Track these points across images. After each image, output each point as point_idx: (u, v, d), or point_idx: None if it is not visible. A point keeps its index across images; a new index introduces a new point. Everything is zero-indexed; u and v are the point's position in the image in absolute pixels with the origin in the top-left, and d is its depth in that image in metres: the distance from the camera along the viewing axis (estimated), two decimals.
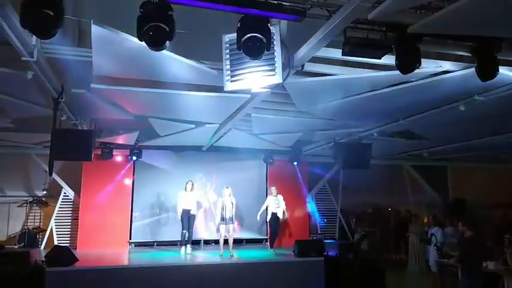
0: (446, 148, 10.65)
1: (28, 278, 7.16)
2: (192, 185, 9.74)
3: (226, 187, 9.44)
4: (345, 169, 11.77)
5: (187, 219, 9.42)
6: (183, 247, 9.45)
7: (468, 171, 13.50)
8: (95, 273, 7.56)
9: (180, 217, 9.44)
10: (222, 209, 9.18)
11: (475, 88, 5.82)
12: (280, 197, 10.24)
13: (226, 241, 9.34)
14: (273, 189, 10.32)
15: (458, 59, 5.22)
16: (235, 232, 9.78)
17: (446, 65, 5.30)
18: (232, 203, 9.22)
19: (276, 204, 10.11)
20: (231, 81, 4.83)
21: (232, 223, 9.24)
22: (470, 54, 4.88)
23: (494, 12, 3.82)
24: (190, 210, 9.43)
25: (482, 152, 11.02)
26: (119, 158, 11.03)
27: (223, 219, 9.15)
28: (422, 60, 4.55)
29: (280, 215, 10.08)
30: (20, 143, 10.20)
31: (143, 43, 3.74)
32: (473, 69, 4.83)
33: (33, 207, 11.53)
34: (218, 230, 9.37)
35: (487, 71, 4.65)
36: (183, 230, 9.42)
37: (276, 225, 10.17)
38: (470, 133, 9.13)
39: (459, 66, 5.32)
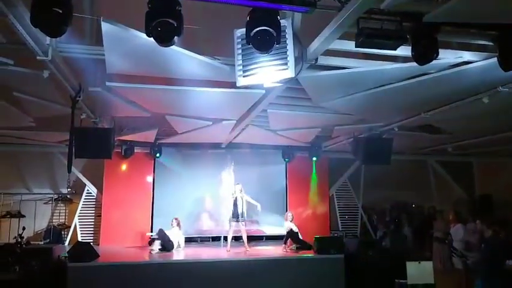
0: (471, 142, 10.30)
1: (51, 273, 7.35)
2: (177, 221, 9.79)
3: (237, 184, 9.46)
4: (366, 165, 11.58)
5: None
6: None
7: (496, 167, 13.01)
8: (115, 269, 7.68)
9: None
10: (234, 205, 9.20)
11: (498, 79, 5.56)
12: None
13: (234, 238, 9.47)
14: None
15: (480, 48, 5.01)
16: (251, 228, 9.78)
17: (467, 55, 5.09)
18: (242, 199, 9.22)
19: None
20: (243, 77, 4.80)
21: (244, 220, 9.24)
22: (491, 44, 4.67)
23: None
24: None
25: (509, 146, 10.60)
26: (139, 156, 11.16)
27: (234, 215, 9.17)
28: (441, 50, 4.41)
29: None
30: (44, 141, 10.43)
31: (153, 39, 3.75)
32: (495, 59, 4.63)
33: (59, 204, 11.82)
34: (230, 227, 9.37)
35: (509, 61, 4.44)
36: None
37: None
38: (496, 126, 8.80)
39: (480, 56, 5.11)
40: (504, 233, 7.07)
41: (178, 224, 9.77)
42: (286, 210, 11.40)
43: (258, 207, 9.38)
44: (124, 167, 10.98)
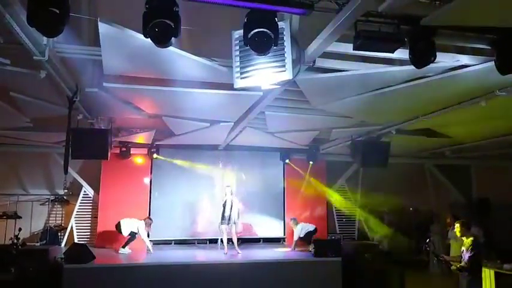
0: (469, 146, 10.31)
1: (47, 274, 7.32)
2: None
3: (227, 186, 9.42)
4: (364, 168, 11.58)
5: None
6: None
7: (493, 170, 13.02)
8: (111, 271, 7.67)
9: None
10: (224, 208, 9.17)
11: (496, 83, 5.57)
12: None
13: (230, 240, 9.44)
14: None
15: (477, 52, 5.01)
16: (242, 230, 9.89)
17: (464, 59, 5.09)
18: (232, 202, 9.20)
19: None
20: (241, 78, 4.78)
21: (235, 223, 9.21)
22: (488, 47, 4.67)
23: None
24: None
25: (507, 149, 10.61)
26: (137, 157, 11.14)
27: (223, 219, 9.16)
28: (438, 54, 4.39)
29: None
30: (41, 142, 10.40)
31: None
32: (492, 63, 4.63)
33: (55, 206, 11.74)
34: (221, 230, 9.35)
35: (506, 65, 4.44)
36: None
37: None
38: (494, 130, 8.80)
39: (478, 60, 5.10)
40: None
41: (145, 222, 9.78)
42: (284, 212, 11.45)
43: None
44: (121, 168, 10.92)
